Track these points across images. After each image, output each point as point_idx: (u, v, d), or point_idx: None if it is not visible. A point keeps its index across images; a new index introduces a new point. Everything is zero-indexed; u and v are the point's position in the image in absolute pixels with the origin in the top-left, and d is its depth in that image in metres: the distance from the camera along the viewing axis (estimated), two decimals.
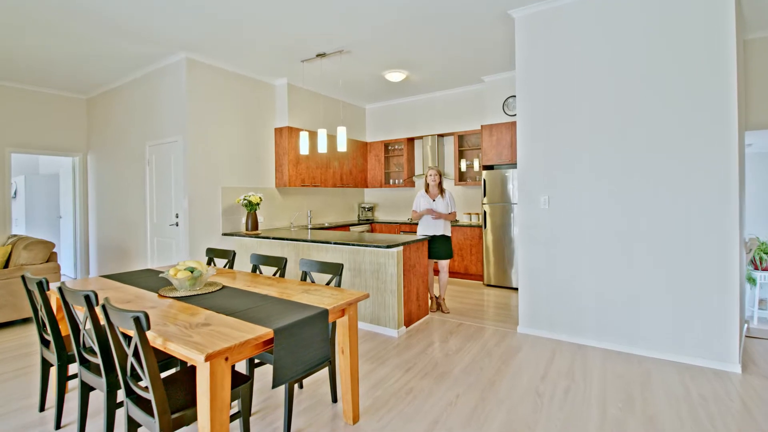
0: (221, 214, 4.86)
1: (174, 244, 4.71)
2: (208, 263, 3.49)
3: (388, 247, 3.60)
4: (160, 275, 2.38)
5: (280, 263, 2.98)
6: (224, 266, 3.36)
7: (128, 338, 1.73)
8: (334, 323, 2.46)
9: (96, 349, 1.83)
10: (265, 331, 1.70)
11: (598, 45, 3.32)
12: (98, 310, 1.83)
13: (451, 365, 3.05)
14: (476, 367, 3.01)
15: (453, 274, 5.86)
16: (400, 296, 3.73)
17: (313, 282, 2.75)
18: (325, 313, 2.01)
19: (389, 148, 6.96)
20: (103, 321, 1.72)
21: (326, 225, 5.98)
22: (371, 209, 7.03)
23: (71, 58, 4.62)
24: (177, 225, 4.66)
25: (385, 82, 5.80)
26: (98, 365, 2.07)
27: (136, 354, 1.62)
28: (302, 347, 1.89)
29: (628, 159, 3.23)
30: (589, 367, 2.99)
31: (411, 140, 6.78)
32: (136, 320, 1.51)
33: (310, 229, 5.47)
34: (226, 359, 1.56)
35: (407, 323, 3.85)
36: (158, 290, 2.45)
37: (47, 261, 4.39)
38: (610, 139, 3.29)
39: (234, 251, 3.34)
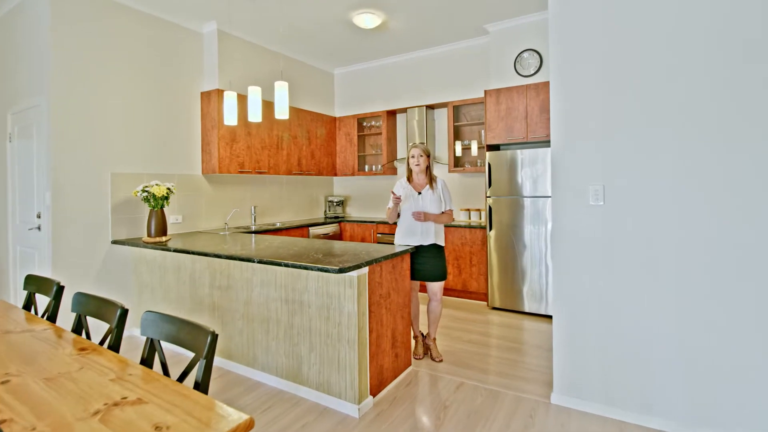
0: (111, 213, 3.34)
1: (36, 255, 3.19)
2: (26, 306, 2.00)
3: (341, 270, 2.14)
4: None
5: (111, 318, 1.51)
6: (43, 313, 1.87)
7: None
8: None
9: None
10: None
11: None
12: None
13: None
14: None
15: (447, 291, 4.44)
16: (364, 348, 2.30)
17: (163, 368, 1.30)
18: None
19: (364, 124, 5.46)
20: None
21: (278, 225, 4.50)
22: (341, 204, 5.55)
23: None
24: (39, 229, 3.14)
25: (355, 31, 4.29)
26: None
27: None
28: None
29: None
30: None
31: (392, 114, 5.29)
32: None
33: (254, 232, 3.99)
34: None
35: (376, 389, 2.42)
36: None
37: None
38: (732, 96, 1.89)
39: (58, 285, 1.86)
